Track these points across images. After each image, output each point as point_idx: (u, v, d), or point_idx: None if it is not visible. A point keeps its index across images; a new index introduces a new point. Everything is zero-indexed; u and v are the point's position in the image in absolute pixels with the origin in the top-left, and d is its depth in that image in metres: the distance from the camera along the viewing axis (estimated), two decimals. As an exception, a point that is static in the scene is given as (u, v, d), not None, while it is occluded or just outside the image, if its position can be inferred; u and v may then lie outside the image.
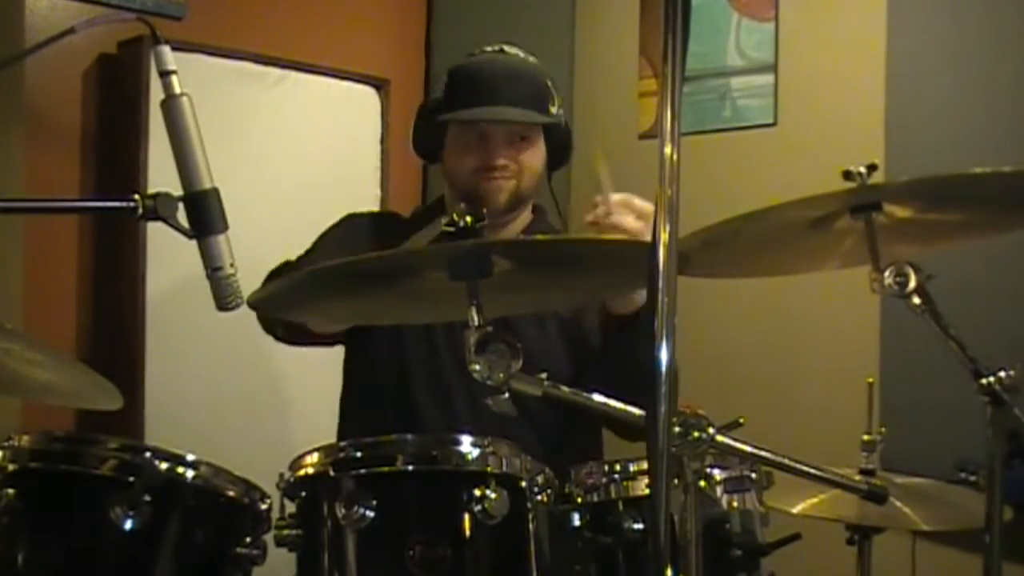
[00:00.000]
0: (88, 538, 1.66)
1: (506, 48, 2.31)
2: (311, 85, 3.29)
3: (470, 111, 2.23)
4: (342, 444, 1.65)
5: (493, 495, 1.58)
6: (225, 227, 1.43)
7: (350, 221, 2.46)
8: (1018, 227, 1.72)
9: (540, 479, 1.67)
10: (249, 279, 1.49)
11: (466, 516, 1.58)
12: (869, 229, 1.55)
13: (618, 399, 1.57)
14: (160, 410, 2.88)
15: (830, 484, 1.71)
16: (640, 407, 1.49)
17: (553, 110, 2.27)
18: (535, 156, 2.29)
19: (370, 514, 1.58)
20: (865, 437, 2.07)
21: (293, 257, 2.34)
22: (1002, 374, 1.51)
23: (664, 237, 1.14)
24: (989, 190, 1.57)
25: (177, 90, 1.43)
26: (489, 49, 2.31)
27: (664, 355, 1.13)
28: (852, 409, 2.17)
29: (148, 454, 1.66)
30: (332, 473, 1.61)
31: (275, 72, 3.22)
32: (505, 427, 1.64)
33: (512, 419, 1.55)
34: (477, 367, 1.52)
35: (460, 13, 3.69)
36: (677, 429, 1.46)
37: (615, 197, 1.99)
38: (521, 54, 2.31)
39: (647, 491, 1.62)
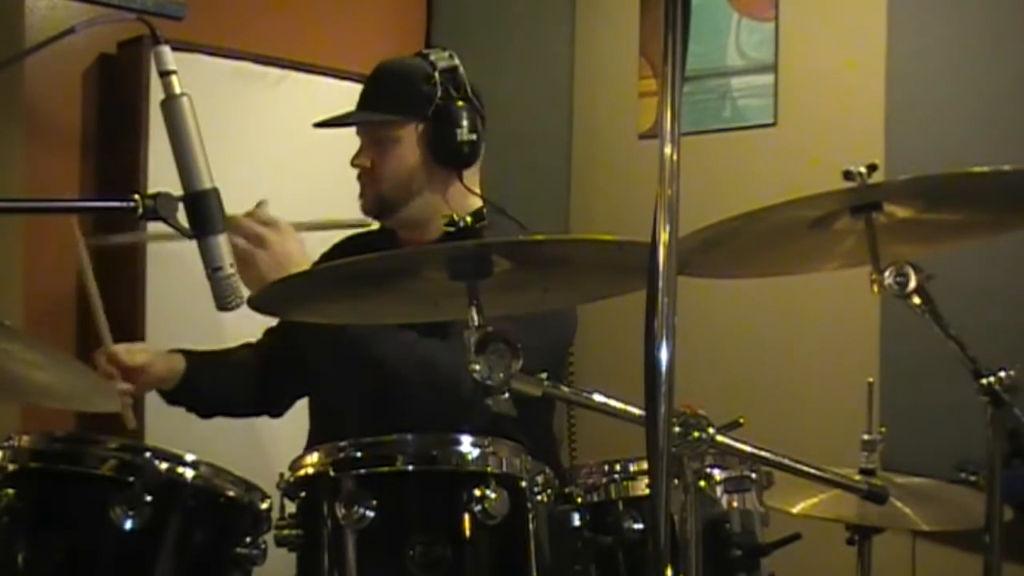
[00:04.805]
0: (88, 538, 1.66)
1: (432, 53, 2.24)
2: (311, 85, 3.28)
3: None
4: (342, 444, 1.64)
5: (493, 495, 1.58)
6: (225, 227, 1.43)
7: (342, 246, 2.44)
8: (1018, 227, 1.72)
9: (540, 479, 1.67)
10: (249, 279, 1.49)
11: (466, 516, 1.58)
12: (869, 229, 1.55)
13: None
14: (160, 410, 2.87)
15: (830, 484, 1.71)
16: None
17: (431, 106, 2.18)
18: (393, 158, 2.24)
19: (370, 514, 1.58)
20: (865, 437, 2.07)
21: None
22: (1002, 374, 1.51)
23: (664, 237, 1.13)
24: (989, 190, 1.57)
25: (177, 90, 1.43)
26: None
27: (664, 355, 1.13)
28: (852, 409, 2.17)
29: (148, 454, 1.66)
30: (332, 473, 1.61)
31: (275, 72, 3.22)
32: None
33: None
34: (477, 367, 1.52)
35: (460, 13, 3.69)
36: (677, 429, 1.47)
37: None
38: (434, 55, 2.22)
39: (647, 491, 1.62)
